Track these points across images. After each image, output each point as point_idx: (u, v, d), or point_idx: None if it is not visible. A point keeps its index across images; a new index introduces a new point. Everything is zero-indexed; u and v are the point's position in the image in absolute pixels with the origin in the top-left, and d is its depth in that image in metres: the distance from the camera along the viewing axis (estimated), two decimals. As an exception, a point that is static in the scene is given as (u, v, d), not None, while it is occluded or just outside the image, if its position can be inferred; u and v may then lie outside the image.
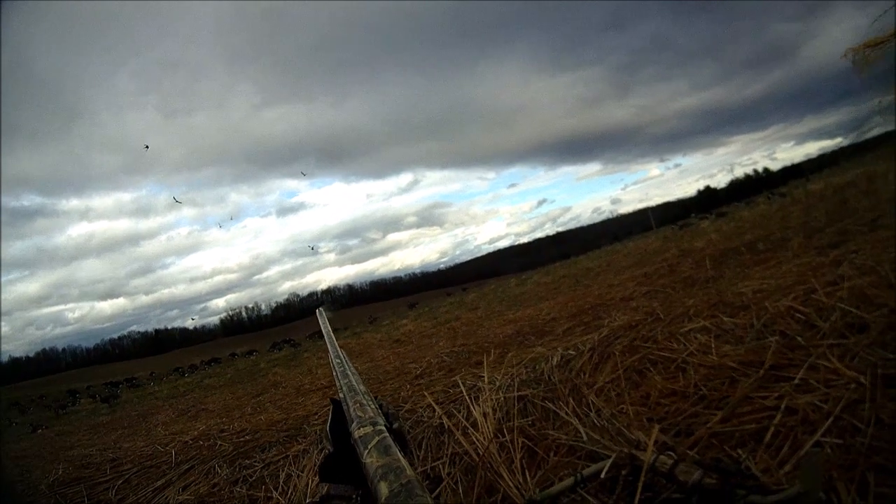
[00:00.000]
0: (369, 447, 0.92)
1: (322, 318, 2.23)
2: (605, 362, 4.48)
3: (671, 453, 2.44)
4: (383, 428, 1.00)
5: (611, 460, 2.59)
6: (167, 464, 5.79)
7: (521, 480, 2.86)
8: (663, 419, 3.12)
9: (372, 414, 1.07)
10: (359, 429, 1.00)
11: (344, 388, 1.33)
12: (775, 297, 4.64)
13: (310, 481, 3.72)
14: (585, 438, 3.14)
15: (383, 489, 0.79)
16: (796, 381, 2.95)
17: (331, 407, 1.22)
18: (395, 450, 0.90)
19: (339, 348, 1.72)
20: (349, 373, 1.47)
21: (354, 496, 1.06)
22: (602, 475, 2.54)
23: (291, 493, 3.67)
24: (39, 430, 16.60)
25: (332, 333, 1.93)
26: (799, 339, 3.52)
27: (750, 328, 4.10)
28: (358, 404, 1.13)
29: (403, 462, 0.86)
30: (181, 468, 5.48)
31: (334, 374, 1.52)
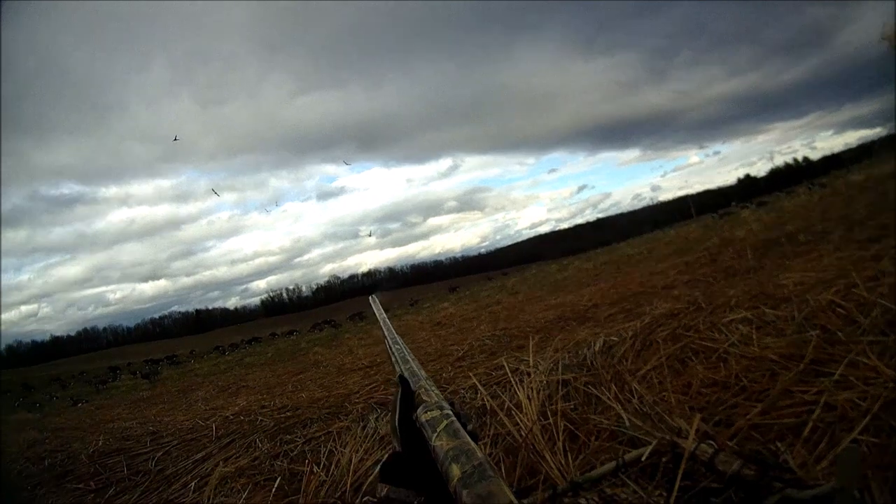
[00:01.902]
0: (438, 430, 0.91)
1: (375, 304, 2.16)
2: (647, 350, 4.49)
3: (711, 442, 2.46)
4: (450, 412, 0.98)
5: (652, 446, 2.61)
6: (207, 437, 5.89)
7: (562, 462, 2.89)
8: (704, 409, 3.13)
9: (437, 398, 1.05)
10: (425, 412, 0.98)
11: (406, 374, 1.27)
12: (816, 291, 4.62)
13: (353, 457, 3.70)
14: (627, 424, 3.16)
15: (455, 471, 0.79)
16: (836, 377, 2.95)
17: (399, 390, 1.13)
18: (464, 433, 0.89)
19: (396, 333, 1.70)
20: (409, 357, 1.44)
21: (416, 502, 1.00)
22: (643, 460, 2.57)
23: (333, 470, 3.67)
24: (80, 404, 16.85)
25: (387, 319, 1.88)
26: (839, 334, 3.49)
27: (791, 321, 4.09)
28: (422, 389, 1.11)
29: (473, 445, 0.85)
30: (221, 442, 5.55)
31: (393, 359, 1.52)
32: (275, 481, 3.84)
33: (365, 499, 3.28)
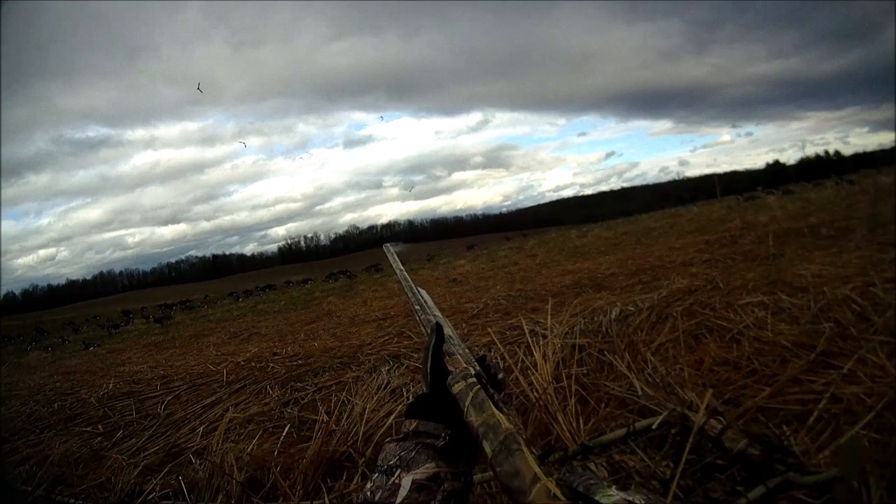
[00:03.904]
0: (466, 405, 0.91)
1: (390, 253, 2.00)
2: (662, 322, 4.53)
3: (720, 419, 2.52)
4: (475, 380, 0.98)
5: (662, 417, 2.67)
6: (218, 383, 5.89)
7: (573, 425, 2.96)
8: (714, 386, 3.16)
9: (463, 364, 1.02)
10: (454, 384, 0.98)
11: (441, 320, 1.24)
12: (834, 285, 4.62)
13: (366, 407, 3.72)
14: (640, 393, 3.21)
15: (487, 449, 0.81)
16: (844, 371, 2.99)
17: (433, 337, 1.08)
18: (489, 404, 0.90)
19: (416, 286, 1.62)
20: (436, 314, 1.38)
21: (443, 434, 0.98)
22: (653, 429, 2.64)
23: (345, 419, 3.67)
24: (91, 348, 16.94)
25: (405, 271, 1.80)
26: (852, 329, 3.52)
27: (806, 310, 4.11)
28: (446, 355, 1.07)
29: (498, 416, 0.86)
30: (232, 387, 5.56)
31: (416, 307, 1.45)
32: (284, 428, 3.86)
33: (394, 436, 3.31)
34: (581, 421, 3.03)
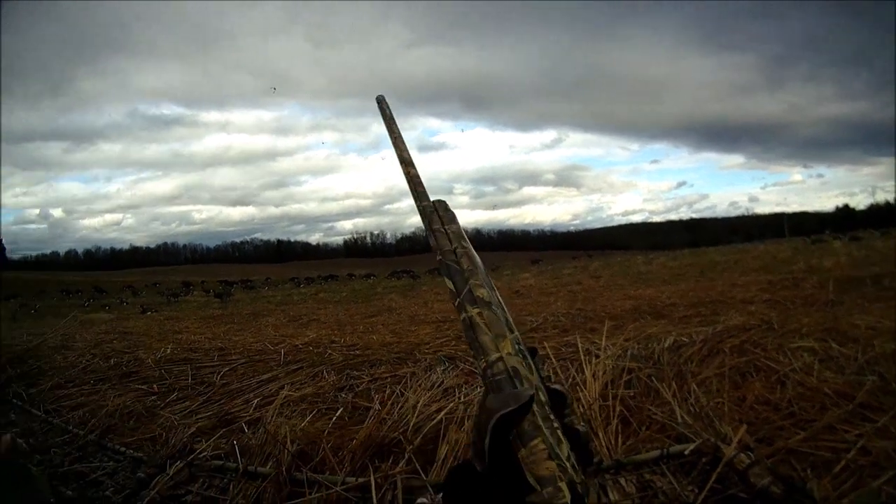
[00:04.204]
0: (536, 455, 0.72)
1: (384, 109, 1.72)
2: (713, 356, 4.60)
3: (750, 454, 2.64)
4: (549, 415, 0.81)
5: (695, 444, 2.79)
6: (275, 361, 5.96)
7: (612, 443, 3.10)
8: (751, 423, 3.26)
9: (555, 467, 0.73)
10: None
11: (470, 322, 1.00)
12: (885, 338, 4.67)
13: (418, 401, 3.81)
14: (680, 420, 3.34)
15: None
16: (878, 425, 3.06)
17: (505, 407, 0.73)
18: (560, 450, 0.74)
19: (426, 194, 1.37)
20: (484, 281, 1.12)
21: None
22: (685, 454, 2.76)
23: (397, 410, 3.77)
24: (149, 313, 17.34)
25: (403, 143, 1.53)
26: (894, 385, 3.61)
27: (853, 361, 4.16)
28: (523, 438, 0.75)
29: (566, 464, 0.73)
30: (289, 367, 5.65)
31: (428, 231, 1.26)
32: (336, 411, 3.99)
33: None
34: (620, 439, 3.18)
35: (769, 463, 2.68)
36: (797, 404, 3.50)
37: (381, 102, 1.82)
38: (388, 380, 4.83)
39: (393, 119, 1.72)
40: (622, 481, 2.67)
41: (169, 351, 6.92)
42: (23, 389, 5.14)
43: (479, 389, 4.12)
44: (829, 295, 8.41)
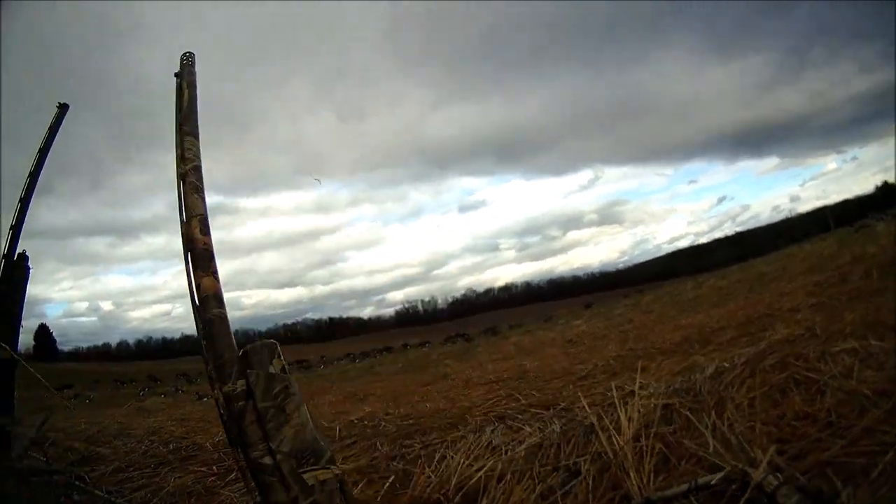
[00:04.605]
0: None
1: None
2: (753, 377, 4.48)
3: (779, 475, 2.56)
4: None
5: (723, 473, 2.72)
6: (331, 438, 6.06)
7: (644, 482, 3.04)
8: (787, 441, 3.17)
9: None
10: None
11: None
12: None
13: (462, 462, 3.84)
14: (711, 450, 3.26)
15: None
16: (918, 420, 2.93)
17: None
18: None
19: None
20: None
21: None
22: (713, 484, 2.70)
23: (442, 471, 3.80)
24: (205, 399, 17.29)
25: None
26: (935, 372, 3.48)
27: (893, 354, 4.06)
28: None
29: None
30: (344, 442, 5.75)
31: None
32: (388, 479, 4.04)
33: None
34: (654, 477, 3.11)
35: (803, 479, 2.60)
36: (836, 412, 3.37)
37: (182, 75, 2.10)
38: (438, 445, 4.84)
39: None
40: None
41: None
42: (85, 473, 5.23)
43: (523, 445, 4.10)
44: (874, 284, 8.24)
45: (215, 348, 2.40)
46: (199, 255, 2.60)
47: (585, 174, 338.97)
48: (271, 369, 2.43)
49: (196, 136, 2.95)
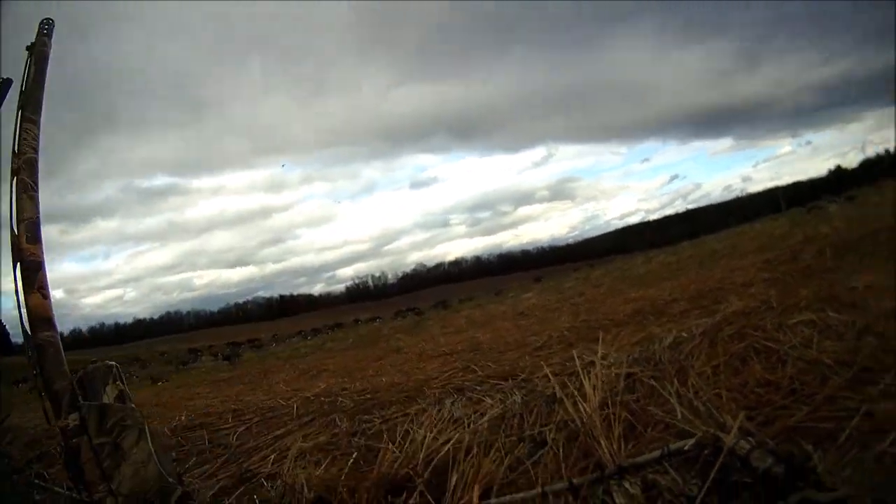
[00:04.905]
0: None
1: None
2: (713, 347, 4.57)
3: (750, 439, 2.62)
4: None
5: (695, 439, 2.77)
6: (288, 416, 6.05)
7: (615, 449, 3.06)
8: (753, 408, 3.25)
9: None
10: None
11: None
12: (882, 296, 4.66)
13: (426, 436, 3.76)
14: (679, 417, 3.32)
15: None
16: (881, 386, 3.04)
17: None
18: None
19: None
20: None
21: None
22: (686, 450, 2.75)
23: (407, 446, 3.74)
24: (160, 383, 17.51)
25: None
26: (893, 342, 3.58)
27: (851, 326, 4.14)
28: None
29: None
30: (302, 420, 5.72)
31: None
32: (351, 456, 4.01)
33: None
34: (624, 444, 3.14)
35: (772, 444, 2.65)
36: (798, 380, 3.47)
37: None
38: (399, 419, 4.85)
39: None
40: (626, 485, 2.65)
41: (183, 418, 6.99)
42: (43, 470, 5.14)
43: (486, 417, 4.12)
44: (827, 262, 8.42)
45: (46, 377, 2.26)
46: (26, 267, 2.41)
47: (539, 151, 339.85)
48: (105, 398, 2.31)
49: (36, 122, 2.67)
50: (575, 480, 2.76)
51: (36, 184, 2.50)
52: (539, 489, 2.79)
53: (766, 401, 3.33)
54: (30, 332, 2.25)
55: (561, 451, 3.26)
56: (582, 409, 3.58)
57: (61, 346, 2.26)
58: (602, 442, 3.13)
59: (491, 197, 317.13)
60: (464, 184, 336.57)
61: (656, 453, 2.80)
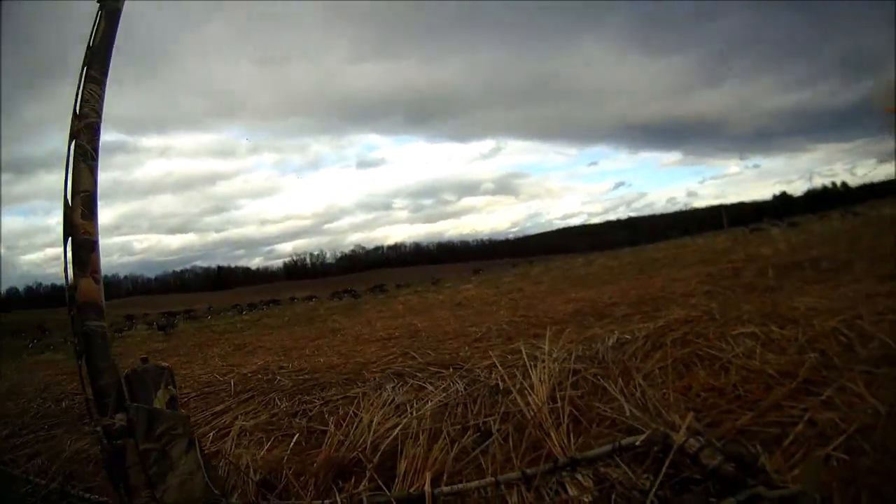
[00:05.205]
0: None
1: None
2: (656, 350, 4.67)
3: (700, 438, 2.71)
4: None
5: (646, 435, 2.86)
6: (226, 392, 5.94)
7: (565, 441, 3.14)
8: (699, 410, 3.34)
9: None
10: None
11: None
12: (824, 317, 4.80)
13: (372, 420, 3.79)
14: (628, 414, 3.40)
15: None
16: (823, 398, 3.16)
17: None
18: None
19: None
20: None
21: None
22: (637, 445, 2.84)
23: (353, 431, 3.74)
24: None
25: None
26: (836, 359, 3.69)
27: (794, 341, 4.26)
28: None
29: None
30: (240, 397, 5.61)
31: None
32: (293, 437, 4.00)
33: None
34: (572, 438, 3.21)
35: (719, 444, 2.76)
36: (742, 387, 3.59)
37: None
38: (340, 402, 4.82)
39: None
40: (579, 477, 2.72)
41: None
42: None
43: (429, 404, 4.16)
44: (769, 281, 8.69)
45: (92, 370, 2.19)
46: (79, 246, 2.26)
47: (488, 143, 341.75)
48: (157, 402, 2.20)
49: (101, 83, 2.48)
50: (528, 471, 2.81)
51: (96, 152, 2.35)
52: (492, 478, 2.83)
53: (712, 404, 3.44)
54: (77, 318, 2.16)
55: (510, 441, 3.31)
56: (531, 401, 3.65)
57: (108, 338, 2.19)
58: (552, 434, 3.20)
59: (436, 184, 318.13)
60: (410, 168, 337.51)
61: (608, 447, 2.87)
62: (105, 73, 2.46)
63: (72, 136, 2.33)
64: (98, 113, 2.39)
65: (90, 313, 2.16)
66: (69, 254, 2.21)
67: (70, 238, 2.22)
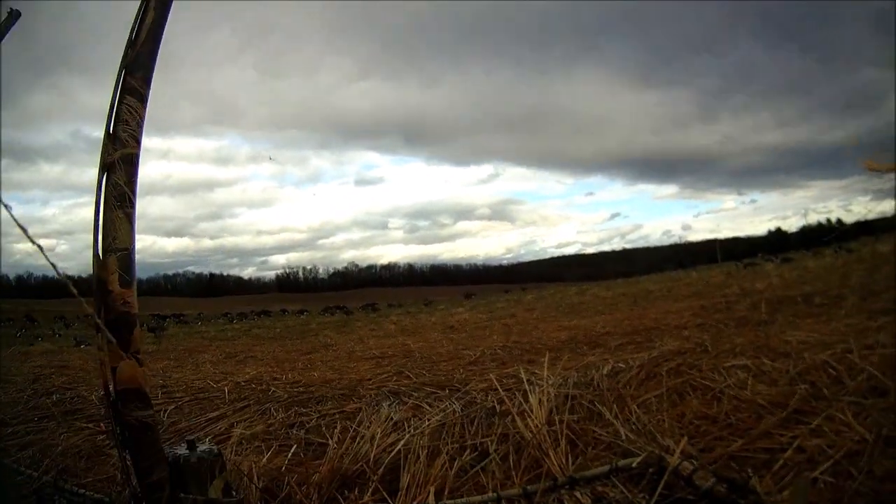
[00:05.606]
0: None
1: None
2: (650, 379, 4.80)
3: (693, 461, 2.85)
4: None
5: (642, 457, 2.99)
6: (220, 399, 6.02)
7: (563, 462, 3.27)
8: (692, 436, 3.47)
9: None
10: None
11: None
12: (815, 350, 4.93)
13: (374, 435, 3.86)
14: (623, 438, 3.53)
15: None
16: (812, 427, 3.29)
17: None
18: None
19: None
20: None
21: None
22: (633, 467, 2.97)
23: (356, 444, 3.79)
24: (83, 346, 17.00)
25: None
26: (825, 391, 3.82)
27: (785, 373, 4.39)
28: None
29: None
30: (236, 405, 5.67)
31: None
32: (290, 448, 4.08)
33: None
34: (570, 459, 3.34)
35: (712, 468, 2.90)
36: (734, 416, 3.73)
37: None
38: (337, 416, 4.91)
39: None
40: (578, 495, 2.85)
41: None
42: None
43: (427, 423, 4.26)
44: (762, 315, 8.81)
45: (142, 466, 1.87)
46: (117, 321, 1.96)
47: (486, 168, 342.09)
48: (212, 491, 1.96)
49: (143, 97, 2.08)
50: (529, 487, 2.93)
51: (134, 194, 2.00)
52: (493, 493, 2.94)
53: (704, 431, 3.58)
54: (117, 406, 1.88)
55: (509, 460, 3.43)
56: (530, 423, 3.77)
57: (157, 428, 1.90)
58: (551, 454, 3.33)
59: (432, 206, 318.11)
60: (408, 189, 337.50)
61: (605, 468, 3.00)
62: (148, 83, 2.09)
63: (102, 170, 2.00)
64: (137, 140, 1.98)
65: (134, 402, 1.93)
66: (103, 328, 1.89)
67: (103, 308, 1.93)
